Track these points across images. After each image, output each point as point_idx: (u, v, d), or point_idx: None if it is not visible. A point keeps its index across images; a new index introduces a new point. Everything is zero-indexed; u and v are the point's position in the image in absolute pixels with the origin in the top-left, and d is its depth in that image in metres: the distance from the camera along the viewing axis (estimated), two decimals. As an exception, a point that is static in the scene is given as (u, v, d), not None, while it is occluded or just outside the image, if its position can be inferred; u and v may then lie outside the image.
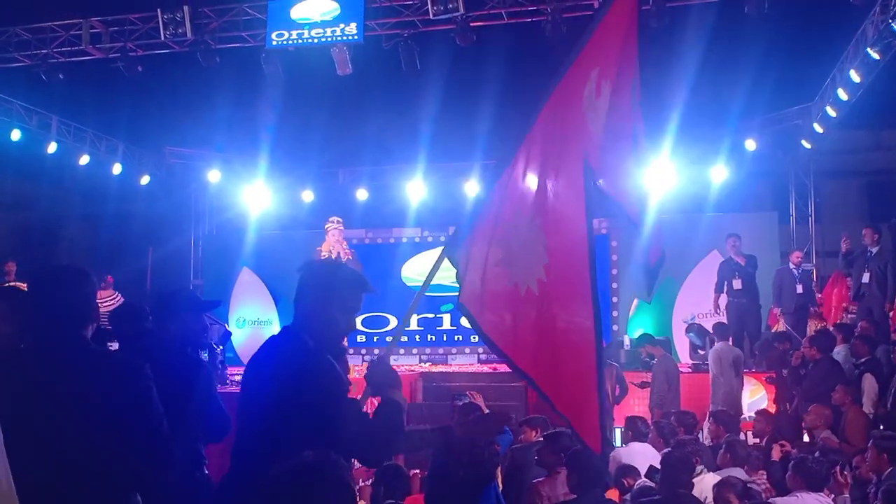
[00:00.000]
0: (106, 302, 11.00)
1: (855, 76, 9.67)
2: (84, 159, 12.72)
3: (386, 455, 2.71)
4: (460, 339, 13.11)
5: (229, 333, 10.05)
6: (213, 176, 14.16)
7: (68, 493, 2.38)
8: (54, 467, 2.37)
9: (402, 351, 13.38)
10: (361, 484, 7.16)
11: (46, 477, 2.35)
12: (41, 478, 2.35)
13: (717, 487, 4.64)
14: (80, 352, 2.55)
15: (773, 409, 8.80)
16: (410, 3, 9.62)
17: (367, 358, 12.44)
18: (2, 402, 2.35)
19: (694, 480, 4.92)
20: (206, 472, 3.61)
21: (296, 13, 9.69)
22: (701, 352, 10.22)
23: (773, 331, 10.66)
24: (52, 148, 12.10)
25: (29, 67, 10.63)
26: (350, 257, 8.88)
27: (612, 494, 5.39)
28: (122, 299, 11.03)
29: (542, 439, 5.48)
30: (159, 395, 2.61)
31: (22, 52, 10.62)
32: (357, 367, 8.59)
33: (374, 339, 13.57)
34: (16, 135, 11.52)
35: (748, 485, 4.89)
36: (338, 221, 9.04)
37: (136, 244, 14.21)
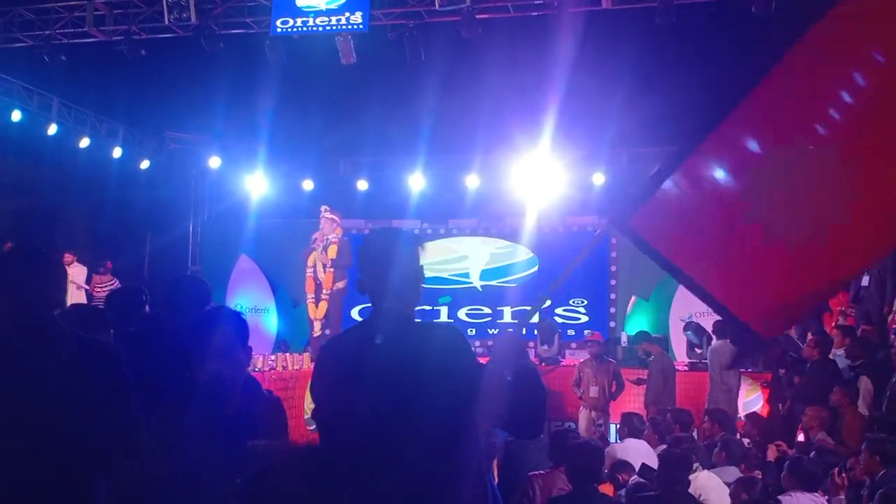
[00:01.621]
0: (105, 287, 11.01)
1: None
2: (84, 142, 12.69)
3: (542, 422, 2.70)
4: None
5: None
6: (214, 162, 14.12)
7: (31, 476, 2.36)
8: (19, 449, 2.35)
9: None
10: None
11: (10, 460, 2.34)
12: (5, 461, 2.34)
13: (736, 484, 4.67)
14: (51, 334, 2.53)
15: (766, 410, 8.82)
16: (417, -7, 9.60)
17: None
18: None
19: (689, 477, 4.93)
20: None
21: (301, 0, 9.66)
22: (698, 350, 10.23)
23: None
24: (52, 130, 12.08)
25: (31, 48, 10.59)
26: (337, 244, 8.83)
27: (606, 489, 5.41)
28: (119, 284, 11.04)
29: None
30: (146, 380, 2.61)
31: (25, 32, 10.58)
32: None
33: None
34: (16, 115, 11.49)
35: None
36: (325, 210, 9.04)
37: (135, 229, 14.16)
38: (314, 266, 8.92)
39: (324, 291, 8.82)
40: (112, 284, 11.20)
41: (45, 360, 2.45)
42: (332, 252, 8.83)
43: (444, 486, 2.21)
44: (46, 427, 2.38)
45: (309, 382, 2.51)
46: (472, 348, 2.39)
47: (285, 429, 3.60)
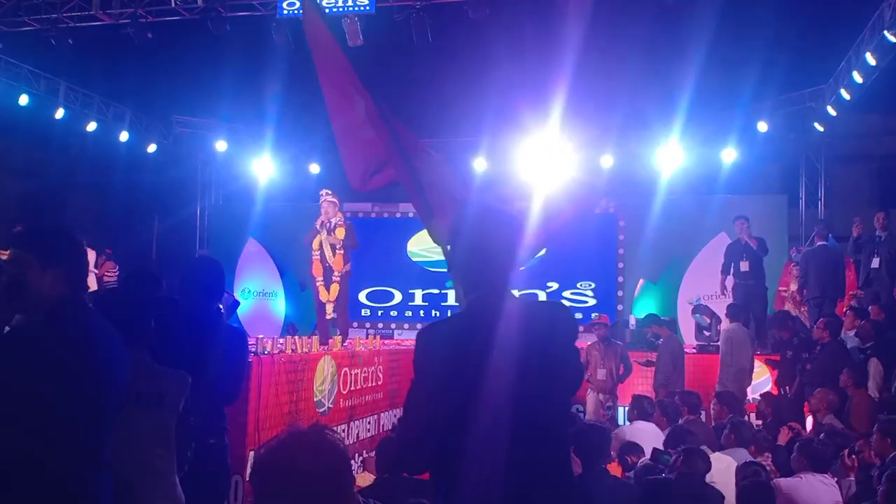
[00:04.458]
0: (111, 273, 11.04)
1: (871, 59, 9.57)
2: (91, 126, 12.69)
3: None
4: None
5: (237, 303, 10.04)
6: (221, 146, 14.11)
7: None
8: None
9: (406, 326, 13.42)
10: (365, 455, 7.21)
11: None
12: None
13: (740, 470, 4.69)
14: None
15: (775, 392, 8.82)
16: (424, -26, 9.52)
17: (370, 332, 12.48)
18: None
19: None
20: (226, 441, 3.66)
21: (307, -18, 9.59)
22: (706, 333, 10.21)
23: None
24: (59, 114, 12.07)
25: (38, 31, 10.56)
26: (343, 226, 8.85)
27: (615, 470, 5.42)
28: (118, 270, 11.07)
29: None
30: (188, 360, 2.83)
31: (31, 15, 10.56)
32: (363, 341, 8.57)
33: (379, 314, 13.60)
34: (24, 100, 11.48)
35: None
36: (325, 193, 9.03)
37: (142, 213, 14.20)
38: (320, 249, 8.92)
39: (335, 274, 8.81)
40: (115, 270, 11.22)
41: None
42: (341, 234, 8.83)
43: (562, 465, 2.30)
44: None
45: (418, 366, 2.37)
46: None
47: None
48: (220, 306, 4.01)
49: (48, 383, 2.23)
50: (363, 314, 13.44)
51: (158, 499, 2.91)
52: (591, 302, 12.86)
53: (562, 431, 2.33)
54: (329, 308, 8.89)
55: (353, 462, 6.75)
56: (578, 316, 12.66)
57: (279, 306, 13.64)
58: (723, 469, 5.05)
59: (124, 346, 2.50)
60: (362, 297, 13.48)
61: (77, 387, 2.28)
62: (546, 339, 2.26)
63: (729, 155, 12.54)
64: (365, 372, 7.95)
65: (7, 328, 2.38)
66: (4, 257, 2.53)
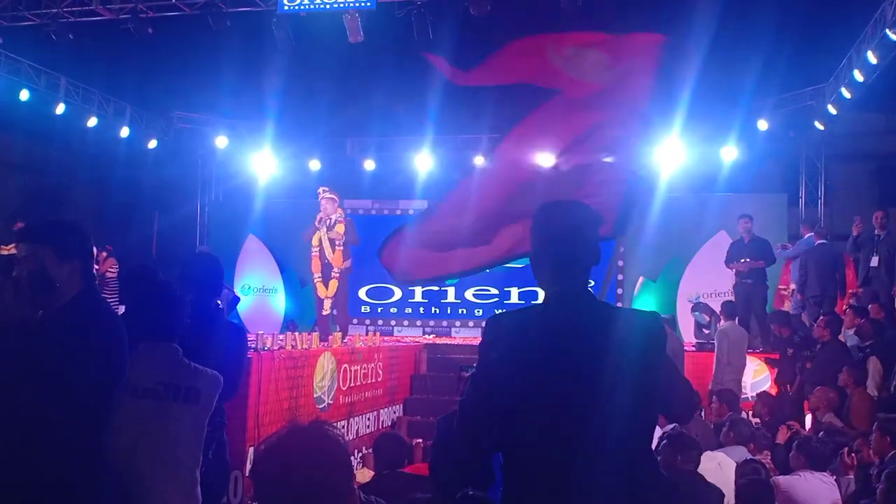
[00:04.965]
0: (112, 270, 11.06)
1: (872, 57, 9.56)
2: (92, 121, 12.67)
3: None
4: (464, 311, 13.14)
5: (237, 299, 10.06)
6: (221, 142, 14.11)
7: None
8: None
9: (406, 323, 13.42)
10: (364, 451, 7.23)
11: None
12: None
13: (739, 468, 4.70)
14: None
15: (774, 390, 8.83)
16: (425, -30, 9.51)
17: (370, 329, 12.48)
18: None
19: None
20: (225, 437, 3.66)
21: (308, -22, 9.58)
22: (706, 331, 10.22)
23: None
24: (60, 109, 12.05)
25: (38, 26, 10.55)
26: (343, 223, 8.89)
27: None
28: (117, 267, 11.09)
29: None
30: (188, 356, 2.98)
31: (32, 10, 10.54)
32: (363, 338, 8.58)
33: (379, 311, 13.61)
34: (24, 95, 11.47)
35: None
36: (324, 190, 9.06)
37: (143, 209, 14.20)
38: (319, 245, 8.94)
39: (334, 270, 8.85)
40: (116, 267, 11.25)
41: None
42: (340, 230, 8.85)
43: (621, 477, 2.09)
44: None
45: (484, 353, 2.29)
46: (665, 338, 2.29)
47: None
48: (219, 302, 4.01)
49: (74, 375, 2.27)
50: (363, 311, 13.45)
51: (182, 497, 2.92)
52: (591, 299, 12.86)
53: (628, 441, 2.11)
54: (327, 304, 8.91)
55: (352, 458, 6.76)
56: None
57: (279, 303, 13.64)
58: (713, 468, 5.04)
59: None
60: (362, 293, 13.48)
61: (99, 377, 2.32)
62: (621, 344, 2.12)
63: (729, 153, 12.54)
64: (364, 368, 7.96)
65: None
66: (5, 252, 2.55)
